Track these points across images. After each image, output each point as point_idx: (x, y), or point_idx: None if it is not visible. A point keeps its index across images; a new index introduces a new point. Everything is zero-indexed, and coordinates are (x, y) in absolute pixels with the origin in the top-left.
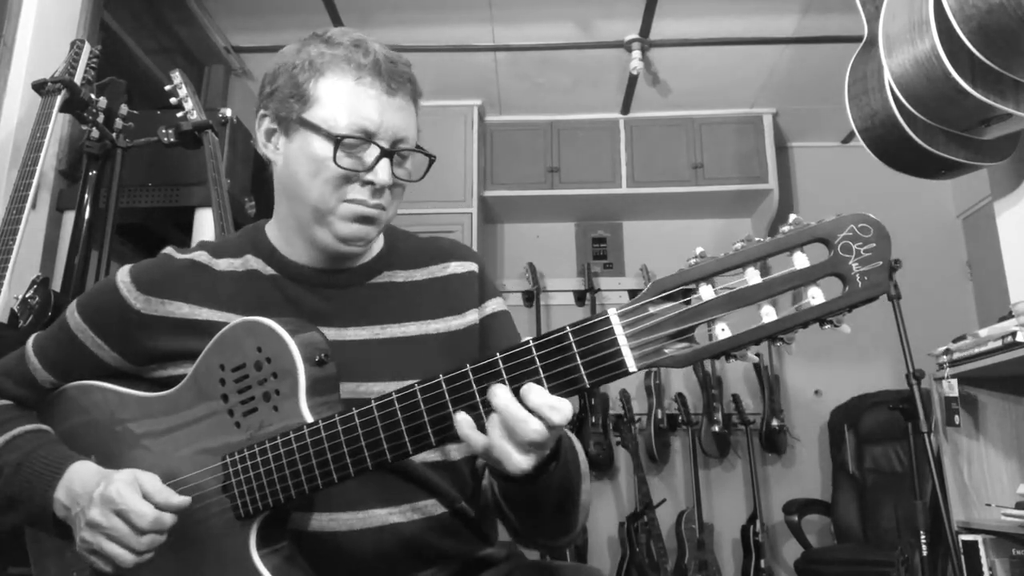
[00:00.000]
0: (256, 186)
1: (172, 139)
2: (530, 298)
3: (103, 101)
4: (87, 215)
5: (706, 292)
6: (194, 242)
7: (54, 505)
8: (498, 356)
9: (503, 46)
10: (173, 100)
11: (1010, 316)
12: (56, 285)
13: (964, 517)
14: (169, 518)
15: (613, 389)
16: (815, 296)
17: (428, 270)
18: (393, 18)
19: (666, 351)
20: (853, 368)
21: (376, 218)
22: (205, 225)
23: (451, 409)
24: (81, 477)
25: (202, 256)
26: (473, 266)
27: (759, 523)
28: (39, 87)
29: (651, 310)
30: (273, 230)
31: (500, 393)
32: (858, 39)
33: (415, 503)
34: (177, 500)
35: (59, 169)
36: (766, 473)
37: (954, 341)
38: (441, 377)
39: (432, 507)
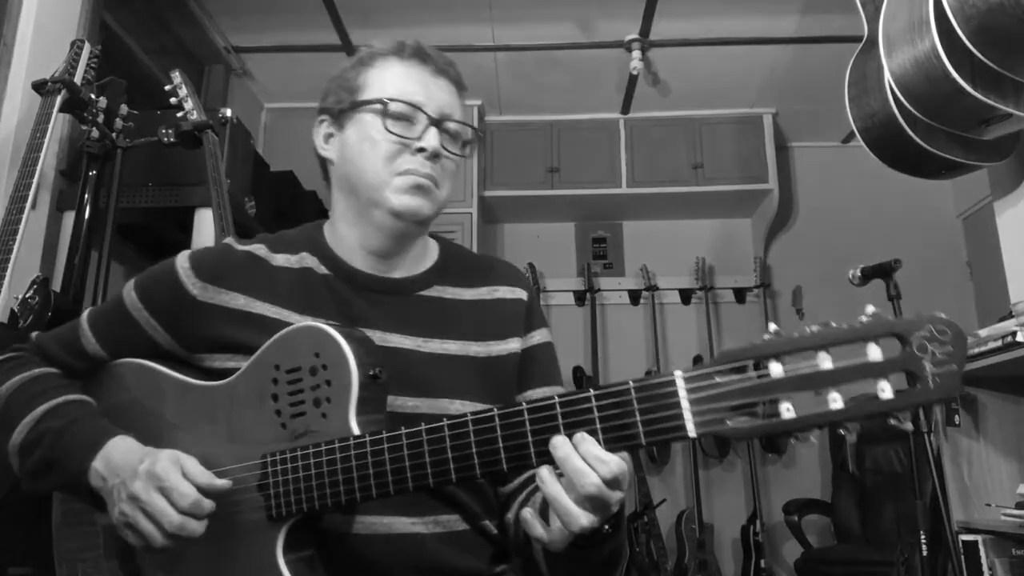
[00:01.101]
0: (256, 186)
1: (172, 139)
2: None
3: (103, 101)
4: (87, 215)
5: (775, 369)
6: (195, 244)
7: (90, 474)
8: (556, 400)
9: (503, 46)
10: (173, 100)
11: (1010, 316)
12: (56, 285)
13: (964, 517)
14: (208, 504)
15: None
16: (884, 390)
17: (477, 291)
18: (393, 18)
19: (728, 422)
20: None
21: (428, 189)
22: (205, 225)
23: (501, 445)
24: (122, 450)
25: (260, 250)
26: (523, 294)
27: (759, 523)
28: (39, 87)
29: (717, 379)
30: (330, 231)
31: (560, 444)
32: (858, 39)
33: (438, 516)
34: (220, 483)
35: (59, 169)
36: (766, 473)
37: None
38: (495, 411)
39: (455, 522)
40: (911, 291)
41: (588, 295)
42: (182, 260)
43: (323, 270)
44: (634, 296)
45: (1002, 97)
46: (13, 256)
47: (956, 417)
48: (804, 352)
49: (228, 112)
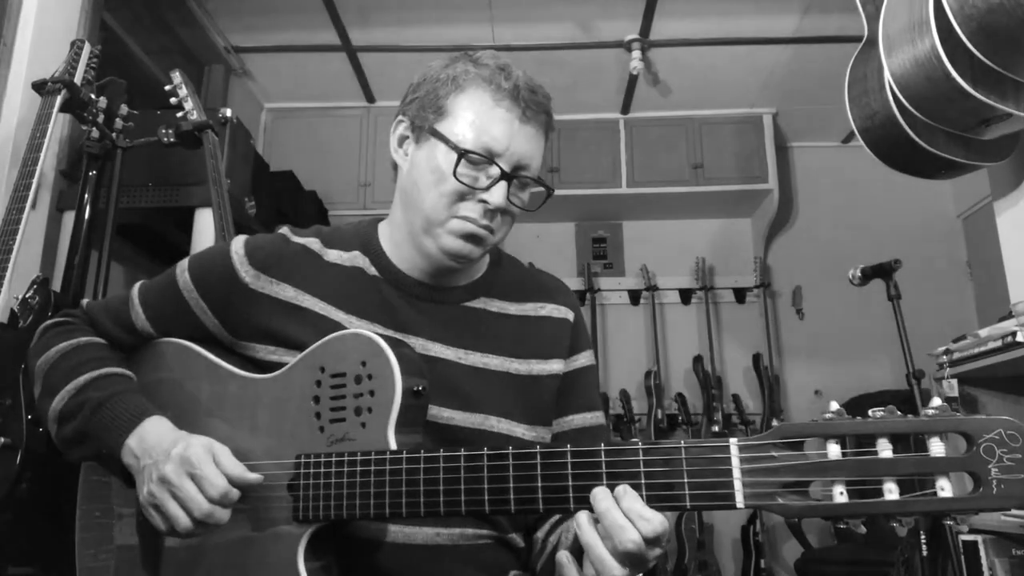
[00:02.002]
0: (256, 186)
1: (172, 139)
2: None
3: (103, 101)
4: (87, 215)
5: (833, 451)
6: (194, 244)
7: (123, 451)
8: (602, 448)
9: (503, 46)
10: (173, 100)
11: (1010, 316)
12: (56, 285)
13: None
14: (235, 493)
15: (613, 388)
16: (944, 488)
17: (523, 307)
18: (393, 18)
19: (779, 499)
20: (853, 368)
21: (483, 239)
22: (205, 225)
23: (540, 484)
24: (157, 431)
25: (315, 244)
26: (570, 314)
27: (759, 523)
28: (39, 87)
29: (773, 452)
30: (385, 233)
31: (602, 496)
32: (858, 39)
33: (465, 529)
34: (252, 476)
35: (59, 169)
36: None
37: (954, 341)
38: (537, 449)
39: (482, 537)
40: (911, 291)
41: (588, 295)
42: (237, 246)
43: (373, 271)
44: (634, 296)
45: (1002, 97)
46: (13, 256)
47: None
48: (865, 436)
49: (228, 112)
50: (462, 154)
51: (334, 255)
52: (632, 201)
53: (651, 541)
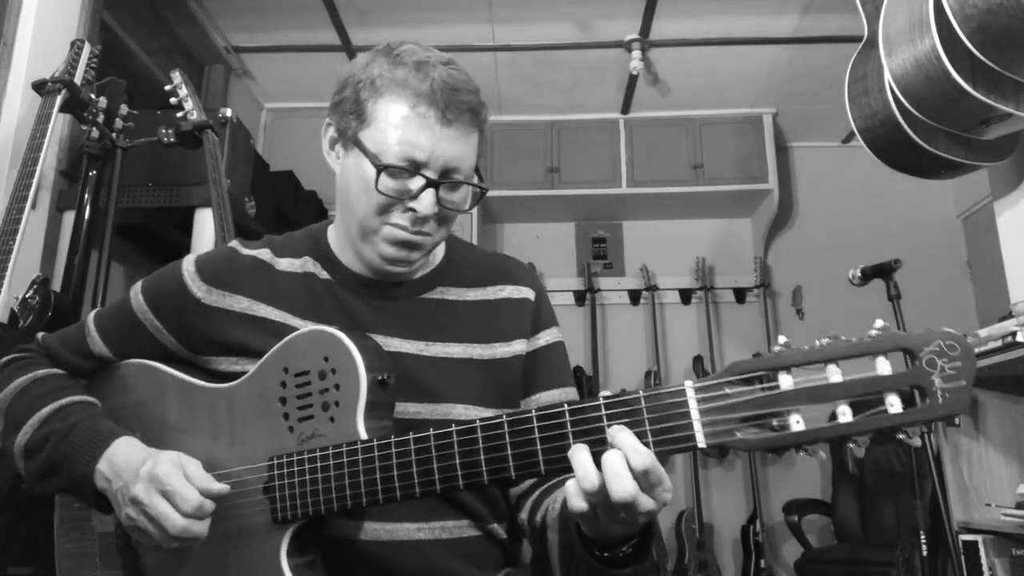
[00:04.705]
0: (256, 186)
1: (172, 139)
2: None
3: (103, 101)
4: (87, 215)
5: (785, 382)
6: (194, 244)
7: (95, 476)
8: (565, 407)
9: (503, 46)
10: (173, 100)
11: (1010, 316)
12: (56, 285)
13: (964, 517)
14: (210, 505)
15: (613, 388)
16: (894, 405)
17: (482, 291)
18: (393, 18)
19: (737, 433)
20: (854, 368)
21: (419, 244)
22: (205, 225)
23: (509, 452)
24: (125, 452)
25: (265, 254)
26: (529, 293)
27: (759, 523)
28: (39, 87)
29: (727, 390)
30: (333, 235)
31: (580, 454)
32: (858, 39)
33: (445, 522)
34: (216, 487)
35: (59, 169)
36: (766, 473)
37: None
38: (504, 418)
39: (463, 528)
40: (911, 291)
41: (588, 295)
42: (188, 264)
43: (324, 275)
44: (634, 296)
45: (1002, 97)
46: (13, 256)
47: (956, 417)
48: (814, 365)
49: (228, 112)
50: (381, 169)
51: (285, 263)
52: (632, 201)
53: (642, 479)
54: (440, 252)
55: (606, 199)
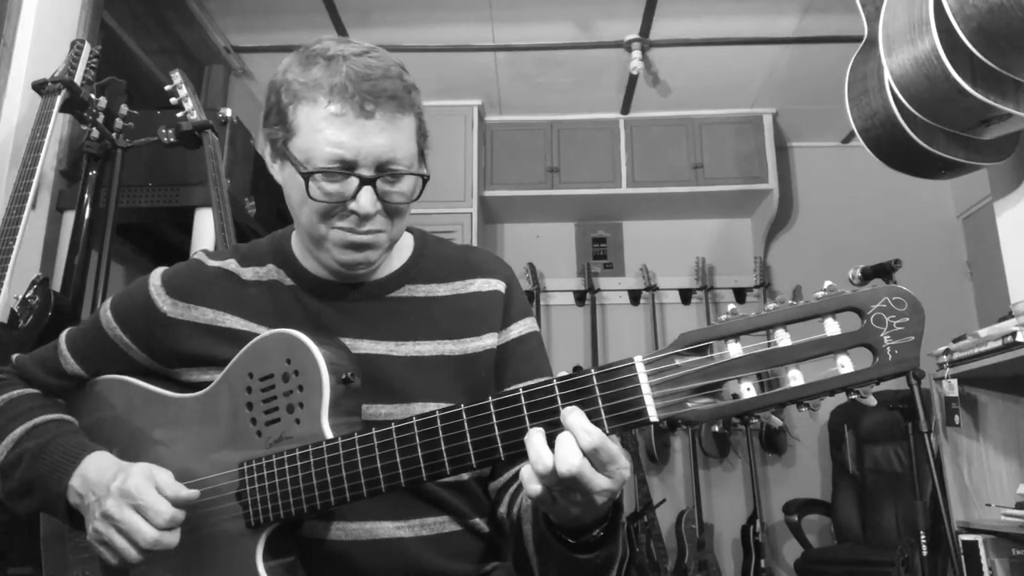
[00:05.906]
0: (256, 186)
1: (172, 139)
2: (530, 298)
3: (103, 101)
4: (87, 215)
5: (734, 349)
6: (194, 244)
7: (68, 493)
8: (520, 392)
9: (503, 46)
10: (173, 100)
11: (1010, 316)
12: (56, 285)
13: (964, 517)
14: (181, 515)
15: None
16: (844, 365)
17: (451, 286)
18: (393, 18)
19: (689, 404)
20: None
21: (372, 244)
22: (205, 225)
23: (469, 440)
24: (98, 467)
25: (231, 264)
26: (499, 285)
27: (759, 523)
28: (39, 87)
29: (677, 361)
30: (295, 240)
31: (535, 437)
32: (858, 39)
33: (424, 519)
34: (185, 493)
35: (59, 169)
36: (766, 473)
37: (954, 341)
38: (462, 407)
39: (443, 524)
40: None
41: (588, 295)
42: (154, 278)
43: (289, 281)
44: (634, 296)
45: (1002, 97)
46: (13, 256)
47: (956, 417)
48: (763, 331)
49: (228, 112)
50: (308, 176)
51: (250, 272)
52: (632, 201)
53: (592, 456)
54: (408, 249)
55: (606, 199)
